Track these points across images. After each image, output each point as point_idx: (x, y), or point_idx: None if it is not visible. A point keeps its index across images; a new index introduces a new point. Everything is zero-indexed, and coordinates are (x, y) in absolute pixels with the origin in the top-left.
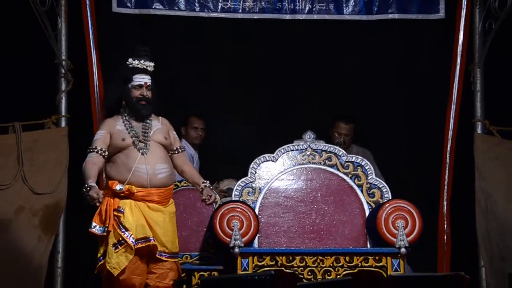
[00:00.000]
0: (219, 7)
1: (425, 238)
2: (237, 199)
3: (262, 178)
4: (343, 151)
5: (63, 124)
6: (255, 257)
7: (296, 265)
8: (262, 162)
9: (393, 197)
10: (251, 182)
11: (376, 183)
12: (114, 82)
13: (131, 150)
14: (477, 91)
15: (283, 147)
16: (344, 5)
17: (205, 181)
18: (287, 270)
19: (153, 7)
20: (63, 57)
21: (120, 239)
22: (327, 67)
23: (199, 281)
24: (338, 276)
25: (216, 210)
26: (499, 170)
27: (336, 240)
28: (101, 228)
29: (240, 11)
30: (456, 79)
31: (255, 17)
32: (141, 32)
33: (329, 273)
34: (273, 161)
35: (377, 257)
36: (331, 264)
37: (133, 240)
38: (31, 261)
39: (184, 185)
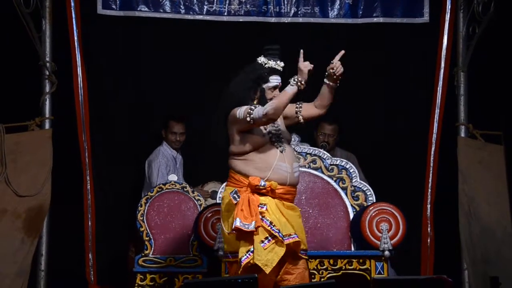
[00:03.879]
0: (205, 9)
1: (409, 241)
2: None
3: None
4: (328, 154)
5: (47, 126)
6: None
7: None
8: None
9: (377, 200)
10: None
11: (360, 186)
12: (244, 79)
13: (268, 147)
14: (461, 95)
15: None
16: (330, 9)
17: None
18: None
19: (138, 9)
20: (47, 59)
21: (268, 235)
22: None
23: (183, 284)
24: (322, 279)
25: (200, 213)
26: (482, 174)
27: (320, 243)
28: (248, 225)
29: (225, 13)
30: (440, 82)
31: (241, 20)
32: (126, 34)
33: (313, 276)
34: None
35: (361, 260)
36: (315, 267)
37: (282, 235)
38: (14, 264)
39: (169, 187)
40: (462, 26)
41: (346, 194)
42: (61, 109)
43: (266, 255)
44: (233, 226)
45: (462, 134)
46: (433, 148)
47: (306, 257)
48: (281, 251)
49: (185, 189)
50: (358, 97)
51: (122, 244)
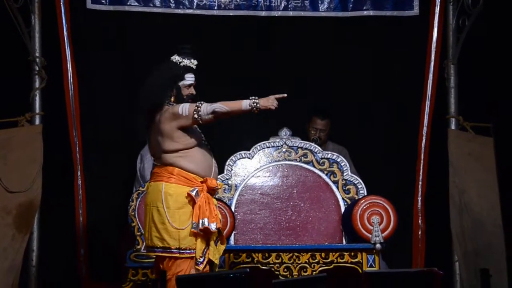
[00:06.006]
0: (195, 3)
1: (400, 234)
2: None
3: (238, 175)
4: (319, 147)
5: (37, 122)
6: (231, 254)
7: (272, 262)
8: (238, 159)
9: (368, 193)
10: (227, 179)
11: (351, 180)
12: (160, 78)
13: (203, 146)
14: (451, 87)
15: (259, 144)
16: (320, 2)
17: None
18: (263, 267)
19: (128, 3)
20: (37, 54)
21: (217, 235)
22: (302, 63)
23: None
24: (314, 273)
25: None
26: (472, 166)
27: (312, 237)
28: (212, 225)
29: (215, 7)
30: (430, 75)
31: (231, 14)
32: (116, 29)
33: (305, 270)
34: (249, 158)
35: (352, 253)
36: (307, 261)
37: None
38: (5, 260)
39: None
40: (452, 19)
41: (337, 187)
42: (51, 104)
43: (217, 253)
44: (201, 226)
45: (453, 127)
46: (423, 141)
47: None
48: (222, 248)
49: None
50: (348, 90)
51: (114, 239)
